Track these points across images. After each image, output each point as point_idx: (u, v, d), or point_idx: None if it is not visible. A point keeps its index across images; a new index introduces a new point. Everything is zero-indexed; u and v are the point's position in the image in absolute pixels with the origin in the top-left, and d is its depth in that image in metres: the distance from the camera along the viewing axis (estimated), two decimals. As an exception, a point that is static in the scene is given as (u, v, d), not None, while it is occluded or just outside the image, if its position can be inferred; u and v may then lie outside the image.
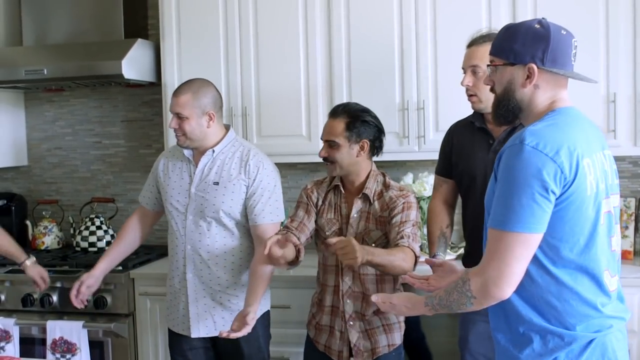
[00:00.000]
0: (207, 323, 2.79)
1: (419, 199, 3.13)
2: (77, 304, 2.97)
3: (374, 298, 2.10)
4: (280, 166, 3.81)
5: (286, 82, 3.53)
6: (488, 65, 1.94)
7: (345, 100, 3.45)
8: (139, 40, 3.73)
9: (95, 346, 3.46)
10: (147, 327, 3.49)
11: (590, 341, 1.76)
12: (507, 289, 1.73)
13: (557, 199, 1.71)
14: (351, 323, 2.62)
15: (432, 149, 3.36)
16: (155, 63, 3.85)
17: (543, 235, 1.73)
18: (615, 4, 3.20)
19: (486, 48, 2.38)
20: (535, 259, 1.76)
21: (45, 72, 3.68)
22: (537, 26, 1.84)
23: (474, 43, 2.62)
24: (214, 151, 2.78)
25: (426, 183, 3.50)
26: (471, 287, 1.77)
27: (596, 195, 1.76)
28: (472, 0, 3.33)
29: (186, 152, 2.81)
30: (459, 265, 2.31)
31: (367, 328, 2.63)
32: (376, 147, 2.67)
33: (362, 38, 3.46)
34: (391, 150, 3.23)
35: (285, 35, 3.55)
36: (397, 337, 2.68)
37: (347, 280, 2.63)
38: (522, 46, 1.83)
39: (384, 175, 2.72)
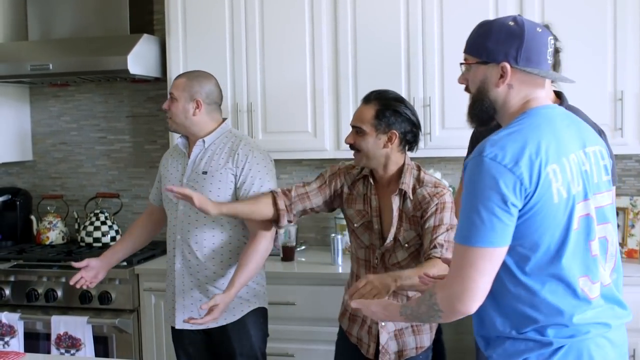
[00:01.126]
0: (194, 315, 2.70)
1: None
2: (73, 281, 2.89)
3: (353, 304, 2.05)
4: (286, 162, 3.82)
5: (292, 78, 3.52)
6: (461, 64, 1.87)
7: (351, 97, 3.46)
8: (145, 35, 3.72)
9: (100, 341, 3.47)
10: (152, 323, 3.49)
11: (562, 346, 1.71)
12: (471, 304, 1.68)
13: (520, 210, 1.65)
14: (382, 324, 2.52)
15: (438, 146, 3.37)
16: (161, 58, 3.85)
17: (510, 246, 1.68)
18: (623, 2, 3.19)
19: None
20: (506, 268, 1.71)
21: (51, 67, 3.68)
22: (511, 23, 1.76)
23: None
24: (204, 141, 2.76)
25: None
26: (437, 301, 1.73)
27: (567, 201, 1.68)
28: (479, 0, 3.32)
29: (181, 144, 2.81)
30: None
31: (396, 329, 2.55)
32: (408, 140, 2.50)
33: (368, 34, 3.45)
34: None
35: (291, 31, 3.54)
36: (426, 339, 2.58)
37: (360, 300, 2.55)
38: (495, 44, 1.76)
39: (419, 169, 2.56)
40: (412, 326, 2.56)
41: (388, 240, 2.50)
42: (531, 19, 3.13)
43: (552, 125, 1.74)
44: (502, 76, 1.76)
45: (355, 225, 2.59)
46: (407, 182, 2.49)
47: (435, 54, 3.38)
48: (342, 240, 3.43)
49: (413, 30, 3.40)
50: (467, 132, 3.22)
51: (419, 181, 2.51)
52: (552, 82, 2.09)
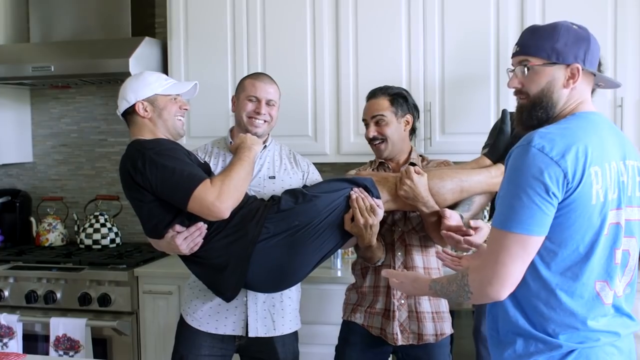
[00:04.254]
0: (268, 322, 2.66)
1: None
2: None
3: (384, 273, 2.12)
4: (286, 166, 3.82)
5: (293, 82, 3.53)
6: (525, 65, 1.85)
7: (351, 101, 3.47)
8: (147, 38, 3.73)
9: (99, 344, 3.47)
10: (151, 325, 3.49)
11: (572, 351, 1.73)
12: (501, 290, 1.71)
13: (559, 203, 1.68)
14: (402, 302, 2.61)
15: (438, 151, 3.37)
16: (163, 62, 3.85)
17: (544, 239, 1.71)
18: (623, 7, 3.20)
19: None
20: (530, 262, 1.73)
21: (52, 69, 3.68)
22: (576, 27, 1.82)
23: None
24: (265, 146, 2.76)
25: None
26: (469, 282, 1.76)
27: (603, 205, 1.70)
28: (480, 2, 3.34)
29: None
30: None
31: (416, 310, 2.61)
32: (413, 127, 2.74)
33: (369, 39, 3.46)
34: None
35: (293, 35, 3.55)
36: (447, 327, 2.66)
37: (400, 256, 2.63)
38: (564, 46, 1.79)
39: (421, 156, 2.78)
40: (432, 312, 2.63)
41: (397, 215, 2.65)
42: (532, 20, 3.19)
43: (599, 130, 1.78)
44: (571, 77, 1.80)
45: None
46: (416, 158, 2.73)
47: (436, 59, 3.39)
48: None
49: (414, 35, 3.41)
50: (467, 137, 3.25)
51: (422, 159, 2.76)
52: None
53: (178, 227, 2.38)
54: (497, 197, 1.77)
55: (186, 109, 2.56)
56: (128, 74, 3.54)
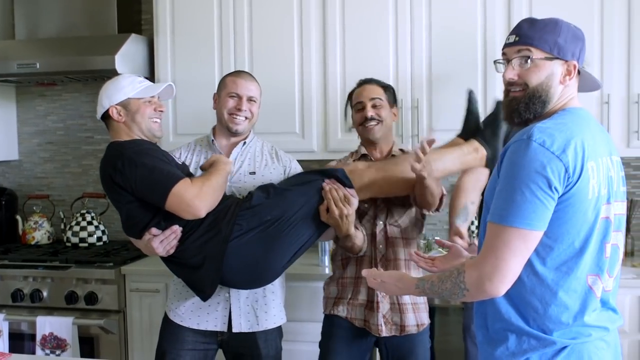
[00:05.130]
0: (251, 317, 2.68)
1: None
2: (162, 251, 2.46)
3: (364, 273, 2.10)
4: (273, 163, 3.82)
5: (280, 79, 3.52)
6: (511, 58, 1.83)
7: (339, 98, 3.46)
8: (133, 35, 3.71)
9: (86, 342, 3.45)
10: (138, 324, 3.48)
11: (565, 347, 1.73)
12: (500, 286, 1.69)
13: (559, 197, 1.68)
14: (384, 293, 2.62)
15: (425, 148, 3.37)
16: (149, 59, 3.84)
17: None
18: (610, 5, 3.21)
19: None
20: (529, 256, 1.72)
21: (38, 66, 3.66)
22: (573, 26, 1.84)
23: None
24: (245, 142, 2.81)
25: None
26: (465, 280, 1.73)
27: (597, 200, 1.72)
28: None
29: (217, 146, 2.80)
30: (470, 250, 2.28)
31: (398, 302, 2.66)
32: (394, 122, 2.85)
33: (357, 34, 3.46)
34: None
35: (280, 31, 3.54)
36: (425, 317, 2.71)
37: (382, 248, 2.67)
38: (565, 42, 1.79)
39: (402, 150, 2.83)
40: (411, 303, 2.67)
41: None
42: (518, 16, 3.19)
43: (590, 126, 1.79)
44: (568, 74, 1.81)
45: (365, 205, 2.68)
46: (397, 152, 2.77)
47: (424, 55, 3.39)
48: (329, 242, 3.44)
49: (402, 32, 3.41)
50: (454, 134, 3.25)
51: (402, 151, 2.79)
52: None
53: (154, 230, 2.41)
54: (496, 192, 1.75)
55: (162, 111, 2.57)
56: (114, 71, 3.53)
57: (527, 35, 1.81)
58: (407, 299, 2.67)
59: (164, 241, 2.40)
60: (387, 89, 2.78)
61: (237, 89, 2.73)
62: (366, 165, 2.59)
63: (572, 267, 1.72)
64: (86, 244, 3.90)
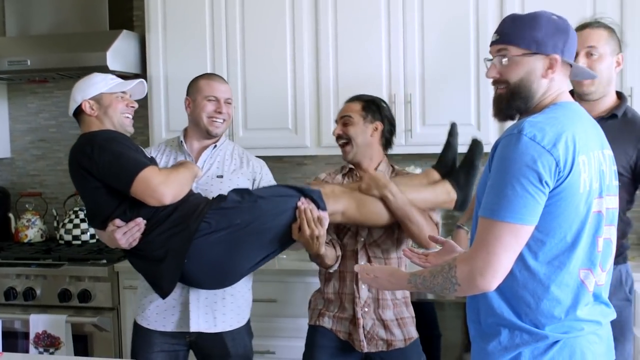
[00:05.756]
0: (208, 318, 2.68)
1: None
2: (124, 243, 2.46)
3: (356, 268, 2.10)
4: (266, 159, 3.80)
5: (273, 75, 3.51)
6: (502, 55, 1.84)
7: (332, 93, 3.47)
8: (124, 31, 3.69)
9: (79, 340, 3.44)
10: (131, 321, 3.44)
11: (557, 341, 1.74)
12: (492, 281, 1.69)
13: (550, 192, 1.68)
14: (366, 309, 2.61)
15: (418, 143, 3.38)
16: (141, 55, 3.82)
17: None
18: (603, 0, 3.21)
19: (601, 32, 2.41)
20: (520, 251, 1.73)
21: (29, 63, 3.64)
22: (555, 17, 1.82)
23: (587, 26, 2.51)
24: (216, 146, 2.79)
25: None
26: (457, 274, 1.73)
27: (588, 194, 1.72)
28: (459, -6, 3.34)
29: (187, 148, 2.80)
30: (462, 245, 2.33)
31: (381, 318, 2.62)
32: (387, 138, 2.72)
33: (349, 29, 3.45)
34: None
35: (272, 27, 3.53)
36: (413, 331, 2.68)
37: (363, 264, 2.61)
38: (544, 36, 1.78)
39: (393, 167, 2.78)
40: (396, 319, 2.63)
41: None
42: (511, 10, 3.19)
43: (581, 120, 1.80)
44: (550, 68, 1.79)
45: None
46: (384, 170, 2.70)
47: (416, 50, 3.39)
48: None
49: (394, 27, 3.40)
50: (446, 129, 3.25)
51: (393, 169, 2.76)
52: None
53: (118, 222, 2.41)
54: (487, 186, 1.75)
55: (133, 107, 2.59)
56: (106, 68, 3.52)
57: (506, 33, 1.83)
58: (390, 315, 2.63)
59: (127, 233, 2.40)
60: (368, 105, 2.68)
61: (214, 92, 2.73)
62: (341, 191, 2.54)
63: (564, 261, 1.72)
64: (79, 242, 3.89)
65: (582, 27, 2.50)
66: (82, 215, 3.95)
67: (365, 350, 2.59)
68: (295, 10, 3.50)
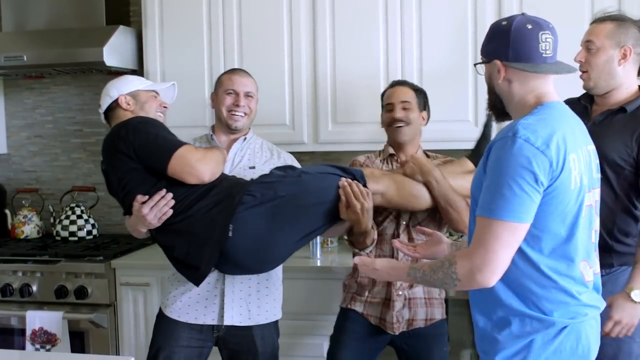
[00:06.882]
0: (242, 310, 2.65)
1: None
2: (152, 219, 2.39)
3: (356, 260, 2.12)
4: (264, 156, 3.81)
5: (270, 71, 3.50)
6: (476, 64, 2.02)
7: (329, 90, 3.45)
8: (121, 27, 3.68)
9: (76, 336, 3.43)
10: (129, 318, 3.46)
11: (565, 327, 1.83)
12: (491, 277, 1.76)
13: (544, 190, 1.76)
14: (399, 293, 2.64)
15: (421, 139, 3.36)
16: (138, 50, 3.81)
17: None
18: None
19: (605, 26, 2.43)
20: (518, 247, 1.80)
21: (25, 59, 3.63)
22: (504, 23, 1.89)
23: (595, 20, 2.54)
24: (245, 138, 2.81)
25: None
26: (457, 270, 1.80)
27: (580, 189, 1.81)
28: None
29: (216, 141, 2.80)
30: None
31: (410, 297, 2.66)
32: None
33: (347, 25, 3.44)
34: (375, 140, 3.20)
35: (269, 23, 3.52)
36: (438, 313, 2.71)
37: (363, 257, 2.63)
38: (489, 44, 1.93)
39: (426, 154, 2.85)
40: (424, 297, 2.68)
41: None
42: (509, 9, 3.18)
43: (568, 119, 1.89)
44: (499, 72, 1.90)
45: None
46: (421, 154, 2.79)
47: (414, 48, 3.38)
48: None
49: (392, 24, 3.39)
50: (444, 125, 3.27)
51: (427, 156, 2.83)
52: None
53: (140, 197, 2.37)
54: (483, 187, 1.81)
55: (165, 107, 2.63)
56: (102, 64, 3.52)
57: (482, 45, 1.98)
58: (420, 292, 2.67)
59: (154, 208, 2.35)
60: (419, 92, 2.80)
61: (233, 86, 2.74)
62: (382, 173, 2.58)
63: (563, 254, 1.82)
64: (76, 238, 3.88)
65: (591, 23, 2.55)
66: (78, 211, 3.94)
67: (397, 332, 2.63)
68: (293, 6, 3.49)
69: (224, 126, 2.77)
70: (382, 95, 2.86)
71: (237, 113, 2.73)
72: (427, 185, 2.53)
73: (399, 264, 2.07)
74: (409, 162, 2.56)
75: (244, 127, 2.78)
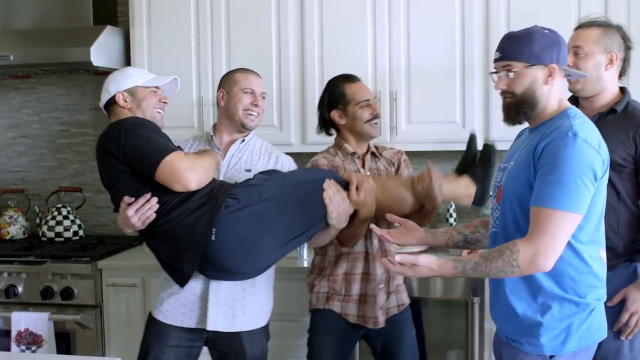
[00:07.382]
0: (226, 316, 2.62)
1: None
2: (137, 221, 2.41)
3: (398, 258, 2.09)
4: (251, 156, 3.81)
5: (258, 71, 3.46)
6: (499, 71, 2.09)
7: (317, 91, 3.44)
8: (108, 27, 3.67)
9: (62, 338, 3.42)
10: (115, 319, 3.45)
11: (594, 309, 2.04)
12: (551, 262, 1.92)
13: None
14: (381, 286, 2.71)
15: (404, 140, 3.37)
16: (125, 50, 3.80)
17: None
18: (587, 3, 3.21)
19: (591, 32, 2.53)
20: None
21: (12, 58, 3.61)
22: (547, 32, 2.06)
23: (581, 26, 2.61)
24: (244, 140, 2.77)
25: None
26: (519, 257, 1.93)
27: (605, 181, 2.03)
28: (445, -7, 3.34)
29: (216, 142, 2.77)
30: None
31: (390, 290, 2.76)
32: None
33: (335, 25, 3.45)
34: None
35: (257, 23, 3.52)
36: (405, 297, 2.83)
37: (375, 243, 2.72)
38: (540, 49, 2.03)
39: (376, 147, 2.89)
40: (397, 285, 2.79)
41: None
42: (496, 8, 3.19)
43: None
44: (550, 76, 2.05)
45: None
46: (371, 147, 2.84)
47: (402, 48, 3.39)
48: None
49: (380, 24, 3.40)
50: (432, 126, 3.27)
51: (377, 148, 2.87)
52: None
53: (127, 199, 2.38)
54: (541, 181, 1.95)
55: (166, 103, 2.61)
56: (89, 64, 3.51)
57: (507, 51, 2.08)
58: (395, 283, 2.76)
59: (138, 211, 2.36)
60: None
61: (251, 85, 2.73)
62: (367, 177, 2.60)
63: (594, 240, 2.04)
64: (62, 239, 3.87)
65: (576, 28, 2.62)
66: (64, 212, 3.92)
67: (380, 325, 2.69)
68: (281, 7, 3.49)
69: (234, 125, 2.74)
70: (340, 91, 2.81)
71: (253, 112, 2.72)
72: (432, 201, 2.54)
73: (440, 259, 2.08)
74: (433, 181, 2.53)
75: (255, 127, 2.78)
